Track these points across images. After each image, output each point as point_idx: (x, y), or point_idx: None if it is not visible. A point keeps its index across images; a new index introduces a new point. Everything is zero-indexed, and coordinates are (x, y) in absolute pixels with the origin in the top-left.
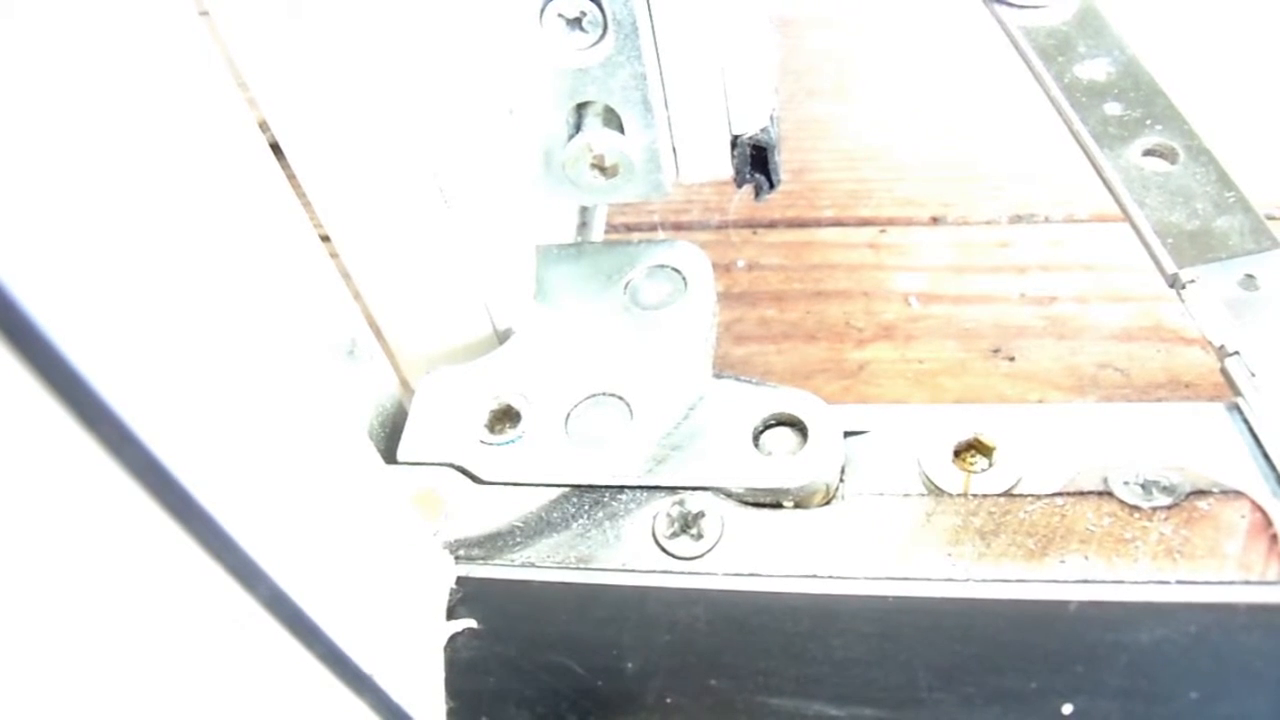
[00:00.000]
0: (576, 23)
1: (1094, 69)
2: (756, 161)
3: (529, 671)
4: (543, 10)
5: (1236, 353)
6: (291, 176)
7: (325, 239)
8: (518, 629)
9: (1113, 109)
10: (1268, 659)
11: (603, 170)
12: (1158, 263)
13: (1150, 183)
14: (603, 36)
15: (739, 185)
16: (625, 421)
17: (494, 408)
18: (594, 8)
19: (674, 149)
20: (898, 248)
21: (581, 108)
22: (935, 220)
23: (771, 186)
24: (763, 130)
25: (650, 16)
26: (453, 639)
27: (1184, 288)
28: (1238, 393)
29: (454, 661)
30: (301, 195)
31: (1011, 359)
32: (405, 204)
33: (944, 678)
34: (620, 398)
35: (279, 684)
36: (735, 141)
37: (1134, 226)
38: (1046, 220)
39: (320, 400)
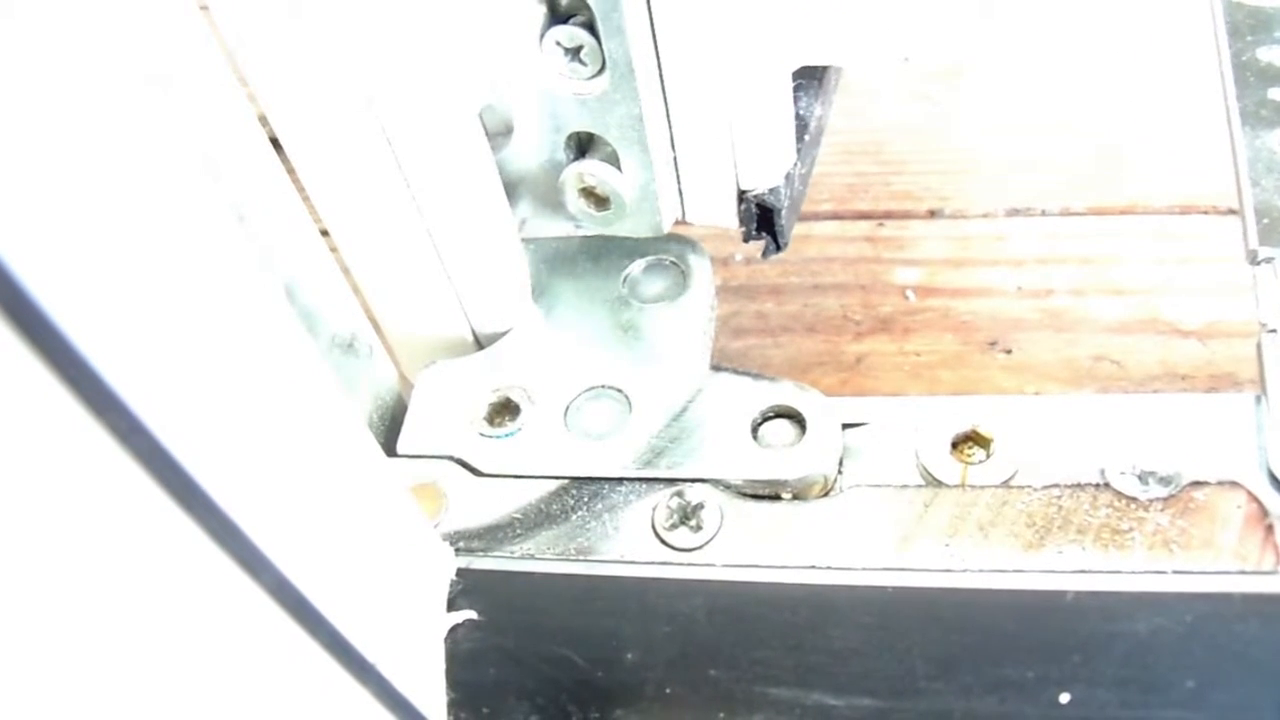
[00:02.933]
0: (575, 53)
1: (1279, 55)
2: (763, 221)
3: (529, 663)
4: (542, 35)
5: (1275, 330)
6: (292, 171)
7: (325, 233)
8: (518, 620)
9: (1276, 94)
10: (1263, 648)
11: (597, 201)
12: (1245, 238)
13: (1276, 168)
14: (600, 71)
15: (745, 240)
16: (624, 414)
17: (493, 401)
18: (593, 41)
19: (679, 190)
20: (895, 241)
21: (593, 135)
22: (932, 214)
23: (778, 248)
24: (771, 191)
25: (658, 59)
26: (453, 630)
27: (1258, 265)
28: (1263, 372)
29: (454, 653)
30: (302, 190)
31: (1008, 351)
32: (381, 207)
33: (942, 667)
34: (619, 390)
35: (284, 670)
36: (742, 196)
37: (1239, 202)
38: (1043, 214)
39: (323, 392)
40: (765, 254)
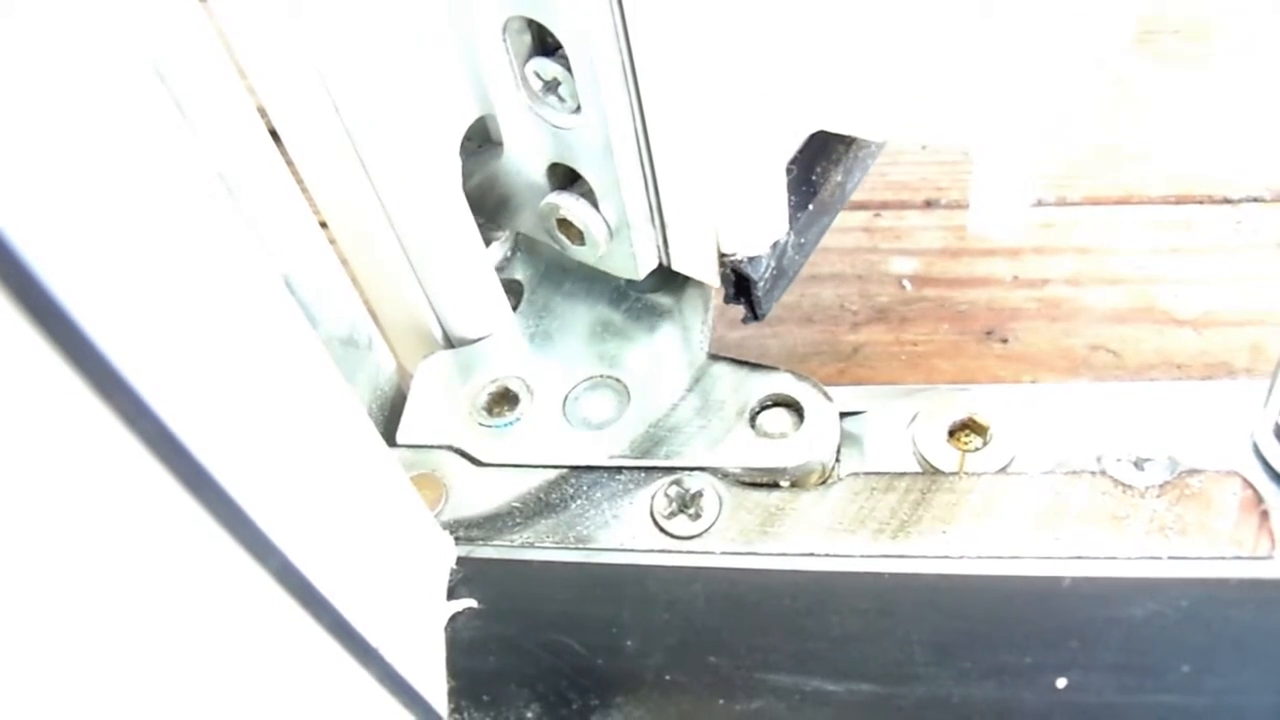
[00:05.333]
0: (553, 87)
1: None
2: (739, 287)
3: (529, 650)
4: (523, 64)
5: None
6: (293, 163)
7: (325, 225)
8: (518, 608)
9: None
10: (1258, 633)
11: (574, 234)
12: None
13: None
14: (579, 110)
15: (725, 301)
16: (622, 404)
17: (492, 391)
18: (569, 78)
19: (663, 237)
20: (892, 231)
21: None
22: (929, 204)
23: (755, 318)
24: (751, 260)
25: (640, 111)
26: (453, 619)
27: None
28: None
29: (455, 641)
30: (301, 181)
31: (1005, 341)
32: (358, 209)
33: (940, 653)
34: (617, 380)
35: (289, 653)
36: (723, 259)
37: None
38: (1039, 203)
39: (326, 382)
40: (745, 320)
